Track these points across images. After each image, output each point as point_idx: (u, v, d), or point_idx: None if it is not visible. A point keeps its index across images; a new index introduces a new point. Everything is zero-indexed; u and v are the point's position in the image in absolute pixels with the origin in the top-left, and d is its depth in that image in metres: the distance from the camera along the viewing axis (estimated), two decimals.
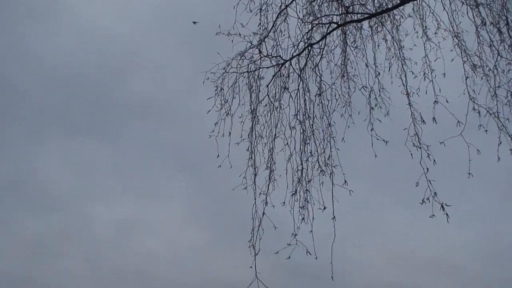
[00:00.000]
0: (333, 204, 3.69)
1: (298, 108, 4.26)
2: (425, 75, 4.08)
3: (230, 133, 4.27)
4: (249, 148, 4.24)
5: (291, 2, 4.60)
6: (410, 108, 3.93)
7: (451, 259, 9.09)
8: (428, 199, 3.33)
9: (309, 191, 3.92)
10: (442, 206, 3.25)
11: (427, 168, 3.49)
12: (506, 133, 3.59)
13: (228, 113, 4.34)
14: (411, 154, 3.69)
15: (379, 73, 4.32)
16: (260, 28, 4.51)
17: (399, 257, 9.20)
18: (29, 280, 9.78)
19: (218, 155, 4.18)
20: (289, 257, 3.51)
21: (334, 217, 3.64)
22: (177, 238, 10.86)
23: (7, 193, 10.45)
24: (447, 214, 3.24)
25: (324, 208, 3.65)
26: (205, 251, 10.35)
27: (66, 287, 10.11)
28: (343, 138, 4.11)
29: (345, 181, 3.79)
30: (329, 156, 3.98)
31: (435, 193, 3.33)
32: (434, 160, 3.59)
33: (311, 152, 4.05)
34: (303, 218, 3.78)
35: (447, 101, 3.75)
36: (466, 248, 8.93)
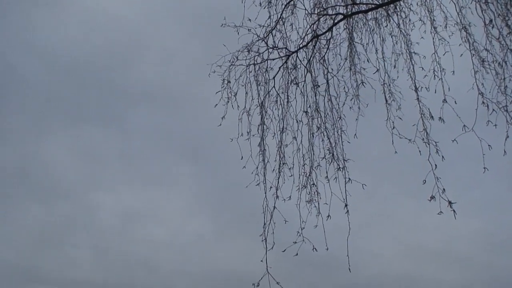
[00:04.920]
0: (346, 198, 3.69)
1: (306, 101, 4.26)
2: (435, 73, 4.02)
3: (244, 133, 4.27)
4: (259, 143, 4.24)
5: None
6: (419, 104, 3.90)
7: (460, 249, 9.14)
8: (433, 197, 3.31)
9: (315, 185, 3.93)
10: (450, 203, 3.24)
11: (436, 165, 3.45)
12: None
13: (234, 105, 4.34)
14: (419, 151, 3.66)
15: (378, 69, 4.25)
16: (267, 21, 4.50)
17: (408, 248, 9.25)
18: (35, 268, 9.89)
19: (242, 157, 4.17)
20: (297, 254, 3.55)
21: (347, 211, 3.64)
22: (183, 227, 10.95)
23: (13, 181, 10.49)
24: (454, 211, 3.23)
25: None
26: (210, 240, 10.43)
27: (72, 275, 10.22)
28: (355, 135, 4.10)
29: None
30: (341, 150, 3.97)
31: (443, 189, 3.31)
32: (443, 156, 3.57)
33: (324, 147, 4.04)
34: (318, 213, 3.78)
35: (455, 102, 3.72)
36: (474, 239, 8.97)
